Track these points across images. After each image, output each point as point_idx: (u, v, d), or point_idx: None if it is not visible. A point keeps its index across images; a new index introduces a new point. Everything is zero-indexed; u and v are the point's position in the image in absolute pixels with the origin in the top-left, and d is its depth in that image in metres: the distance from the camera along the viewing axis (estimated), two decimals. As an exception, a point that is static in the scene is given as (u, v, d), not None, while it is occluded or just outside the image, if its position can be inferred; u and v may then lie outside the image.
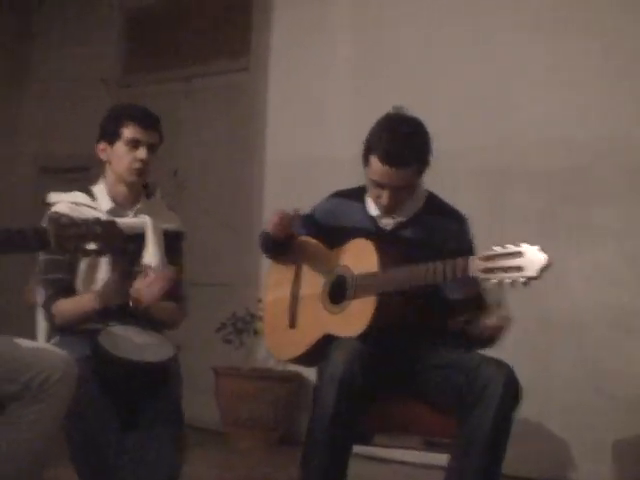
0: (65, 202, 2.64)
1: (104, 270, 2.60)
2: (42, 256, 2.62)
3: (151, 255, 2.65)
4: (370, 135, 2.55)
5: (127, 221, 2.61)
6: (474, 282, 2.32)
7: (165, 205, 2.85)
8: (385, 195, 2.55)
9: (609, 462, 3.84)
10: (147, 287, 2.54)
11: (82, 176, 4.91)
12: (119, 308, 2.54)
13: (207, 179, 5.42)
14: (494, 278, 2.19)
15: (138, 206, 2.72)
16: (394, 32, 4.67)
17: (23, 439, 2.13)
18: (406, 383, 2.54)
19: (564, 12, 4.15)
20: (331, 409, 2.34)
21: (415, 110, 2.60)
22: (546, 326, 4.04)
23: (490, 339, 2.47)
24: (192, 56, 5.56)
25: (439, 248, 2.50)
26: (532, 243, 2.16)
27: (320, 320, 2.60)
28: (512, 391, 2.36)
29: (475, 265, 2.24)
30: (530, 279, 2.13)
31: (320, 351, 2.49)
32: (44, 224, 2.41)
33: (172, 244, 2.76)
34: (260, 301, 3.04)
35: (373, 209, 2.66)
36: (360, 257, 2.55)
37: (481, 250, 2.29)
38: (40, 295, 2.66)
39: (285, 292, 2.74)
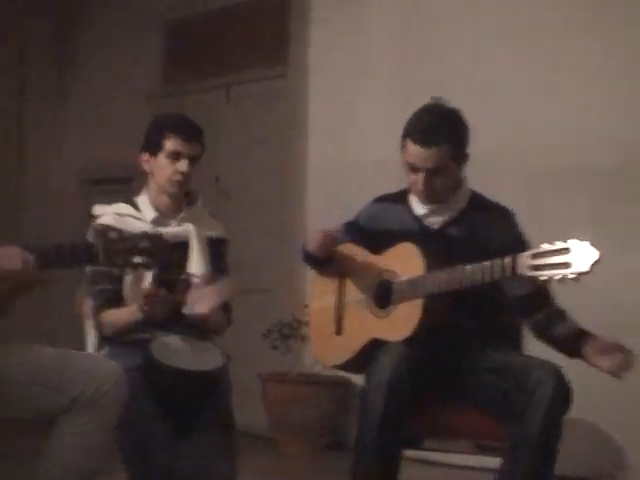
0: (110, 214, 2.65)
1: (149, 281, 2.61)
2: (89, 267, 2.64)
3: (196, 264, 2.67)
4: (407, 122, 2.58)
5: (171, 230, 2.63)
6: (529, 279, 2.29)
7: (207, 212, 2.85)
8: (420, 179, 2.53)
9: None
10: (203, 299, 2.56)
11: (125, 187, 4.98)
12: (165, 318, 2.54)
13: (248, 185, 5.44)
14: (542, 275, 2.18)
15: (181, 215, 2.73)
16: (433, 32, 4.64)
17: (75, 451, 2.14)
18: (454, 385, 2.51)
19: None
20: (380, 415, 2.33)
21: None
22: (596, 326, 3.96)
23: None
24: (231, 65, 5.60)
25: (486, 245, 2.48)
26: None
27: (366, 325, 2.58)
28: (562, 394, 2.31)
29: (523, 262, 2.23)
30: (581, 274, 2.11)
31: (367, 356, 2.47)
32: (89, 236, 2.44)
33: (216, 251, 2.77)
34: (306, 306, 3.03)
35: (420, 208, 2.64)
36: (406, 261, 2.52)
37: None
38: (89, 306, 2.69)
39: (330, 301, 2.73)
